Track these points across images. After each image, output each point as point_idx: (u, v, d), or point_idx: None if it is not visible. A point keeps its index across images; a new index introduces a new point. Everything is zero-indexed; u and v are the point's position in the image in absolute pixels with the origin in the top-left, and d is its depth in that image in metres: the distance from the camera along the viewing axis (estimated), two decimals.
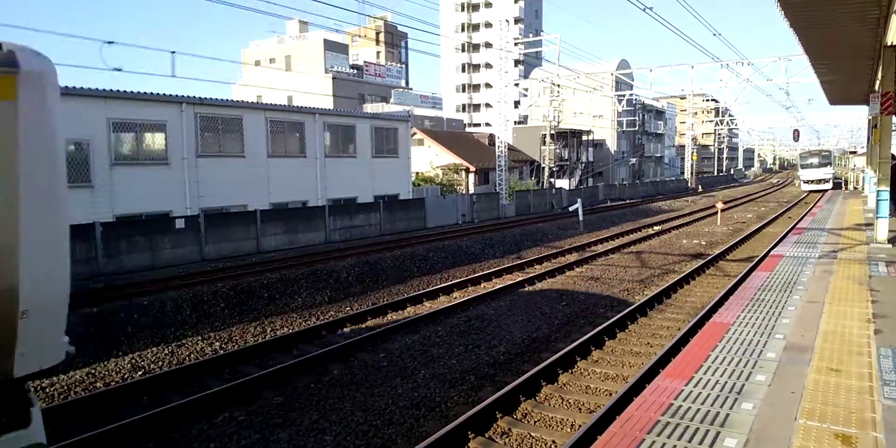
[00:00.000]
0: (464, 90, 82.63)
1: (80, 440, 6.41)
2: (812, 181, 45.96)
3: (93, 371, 8.97)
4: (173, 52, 19.21)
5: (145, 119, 19.38)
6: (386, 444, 6.40)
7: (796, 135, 50.12)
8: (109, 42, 18.01)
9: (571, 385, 8.03)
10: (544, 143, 44.78)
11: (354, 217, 23.21)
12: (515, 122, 62.57)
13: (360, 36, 67.66)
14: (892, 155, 13.54)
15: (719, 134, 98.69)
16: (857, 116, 63.03)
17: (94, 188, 17.96)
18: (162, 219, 17.95)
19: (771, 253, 12.58)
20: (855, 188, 40.67)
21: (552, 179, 45.26)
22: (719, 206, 29.26)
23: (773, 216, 30.00)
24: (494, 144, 36.15)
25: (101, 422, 7.32)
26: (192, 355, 9.79)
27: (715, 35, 24.60)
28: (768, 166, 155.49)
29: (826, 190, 42.46)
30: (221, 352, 9.82)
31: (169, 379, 8.47)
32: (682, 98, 72.23)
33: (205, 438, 6.54)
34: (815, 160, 46.58)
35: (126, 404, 7.76)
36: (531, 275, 15.27)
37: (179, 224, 17.41)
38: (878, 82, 14.39)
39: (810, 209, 27.86)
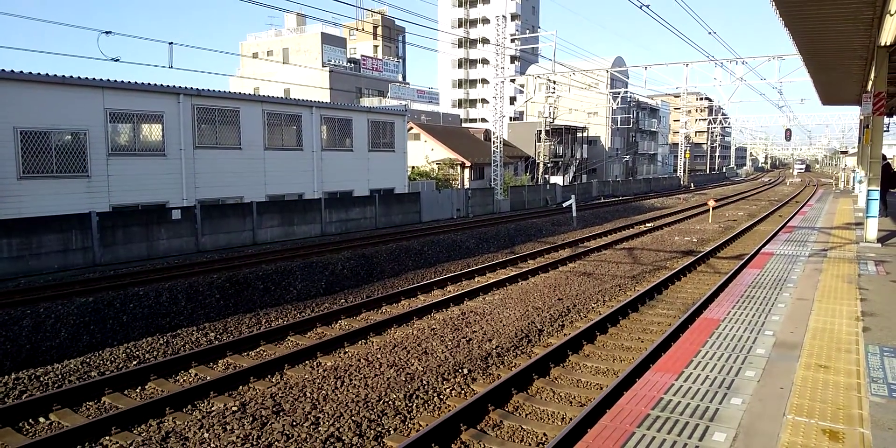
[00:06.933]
0: (460, 86, 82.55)
1: (75, 429, 6.46)
2: (799, 170, 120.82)
3: (87, 360, 8.99)
4: (171, 43, 19.10)
5: (142, 110, 19.30)
6: (379, 435, 6.48)
7: (788, 134, 50.31)
8: (107, 32, 17.89)
9: (563, 379, 8.13)
10: (539, 140, 44.80)
11: (350, 210, 23.23)
12: (511, 118, 62.54)
13: (357, 29, 67.39)
14: (883, 155, 13.66)
15: (712, 132, 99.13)
16: (848, 116, 63.68)
17: (90, 178, 17.91)
18: (158, 209, 17.92)
19: (761, 251, 12.67)
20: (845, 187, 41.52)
21: (547, 175, 45.34)
22: (711, 203, 29.38)
23: (764, 214, 30.20)
24: (490, 140, 36.17)
25: (96, 411, 7.39)
26: (187, 345, 9.84)
27: (710, 33, 24.46)
28: (760, 165, 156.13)
29: (804, 171, 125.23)
30: (216, 342, 9.87)
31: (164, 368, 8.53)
32: (676, 96, 72.27)
33: (199, 427, 6.60)
34: (799, 162, 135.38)
35: (121, 394, 7.83)
36: (524, 270, 15.35)
37: (176, 215, 17.41)
38: (870, 82, 14.46)
39: (801, 208, 28.05)
